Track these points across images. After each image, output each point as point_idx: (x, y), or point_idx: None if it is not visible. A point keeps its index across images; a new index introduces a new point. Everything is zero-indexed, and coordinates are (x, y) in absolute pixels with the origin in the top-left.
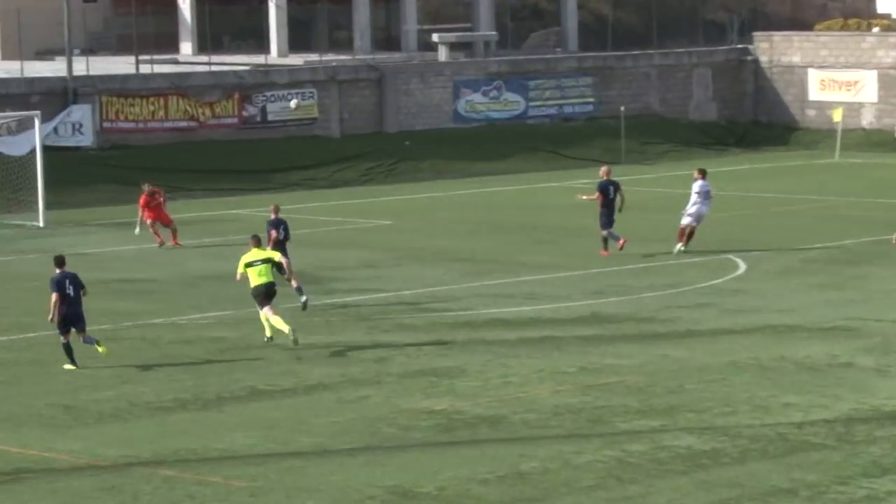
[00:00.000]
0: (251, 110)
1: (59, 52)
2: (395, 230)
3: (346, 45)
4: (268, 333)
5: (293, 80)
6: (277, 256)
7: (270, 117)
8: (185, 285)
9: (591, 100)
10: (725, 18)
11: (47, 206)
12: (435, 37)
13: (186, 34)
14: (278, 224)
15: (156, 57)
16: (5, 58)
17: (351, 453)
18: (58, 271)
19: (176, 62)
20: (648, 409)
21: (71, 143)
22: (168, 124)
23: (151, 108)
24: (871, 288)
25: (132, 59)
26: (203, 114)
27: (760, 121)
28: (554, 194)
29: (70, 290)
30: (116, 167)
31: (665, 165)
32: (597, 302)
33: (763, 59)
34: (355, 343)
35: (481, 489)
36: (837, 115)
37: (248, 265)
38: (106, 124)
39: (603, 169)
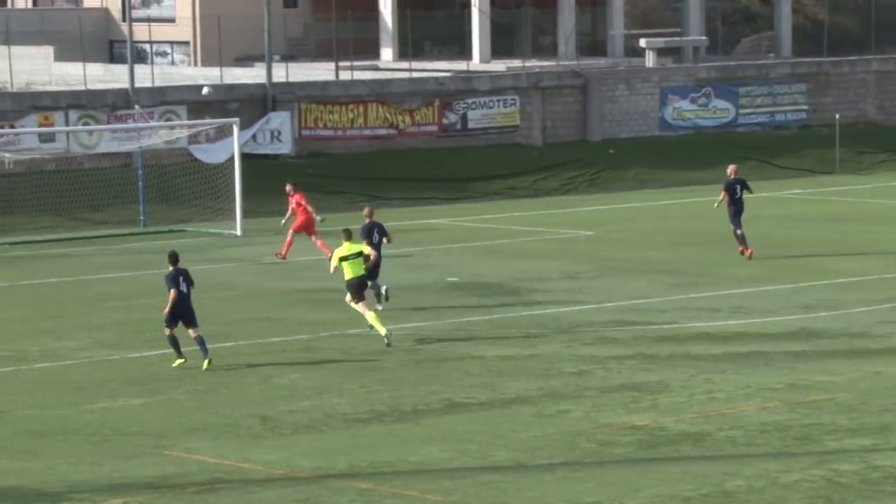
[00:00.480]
0: (451, 118)
1: (259, 59)
2: (597, 241)
3: (549, 50)
4: (368, 321)
5: (495, 87)
6: (367, 249)
7: (471, 125)
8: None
9: (805, 107)
10: None
11: (244, 215)
12: (642, 42)
13: (387, 40)
14: (371, 228)
15: (356, 63)
16: (204, 64)
17: (549, 468)
18: (171, 268)
19: (376, 68)
20: (860, 427)
21: (269, 150)
22: (367, 132)
23: (350, 115)
24: None
25: (332, 65)
26: (402, 121)
27: None
28: (763, 205)
29: (183, 287)
30: (314, 175)
31: (881, 176)
32: (806, 316)
33: None
34: (555, 355)
35: None
36: None
37: (343, 259)
38: (304, 132)
39: (731, 168)
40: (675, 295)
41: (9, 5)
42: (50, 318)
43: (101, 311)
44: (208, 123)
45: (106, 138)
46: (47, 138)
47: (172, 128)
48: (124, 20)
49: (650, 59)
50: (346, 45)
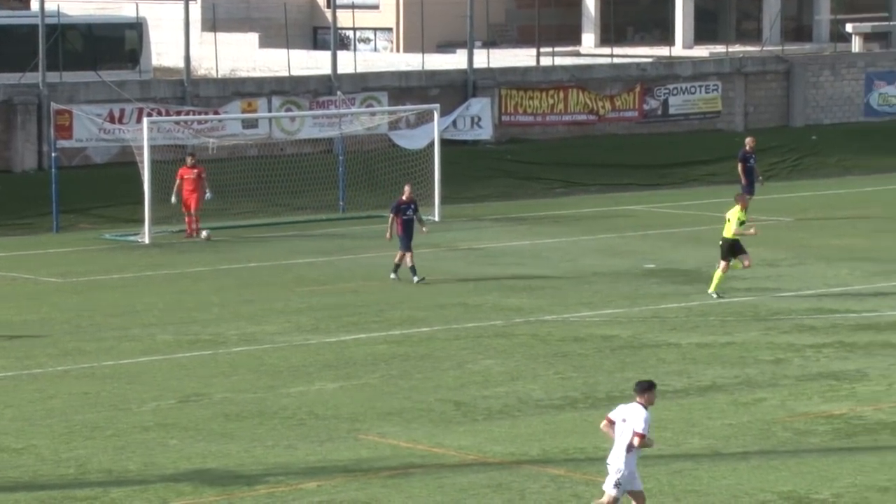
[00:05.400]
0: (652, 103)
1: (460, 45)
2: (797, 228)
3: (753, 36)
4: (711, 290)
5: (697, 73)
6: (736, 217)
7: (672, 111)
8: (578, 281)
9: None
10: None
11: (442, 201)
12: (849, 27)
13: (589, 26)
14: (409, 206)
15: (557, 49)
16: (406, 50)
17: (744, 457)
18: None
19: (577, 54)
20: None
21: (469, 136)
22: (567, 118)
23: (551, 101)
24: None
25: (533, 51)
26: (603, 107)
27: None
28: None
29: None
30: (513, 161)
31: None
32: None
33: None
34: (752, 343)
35: (881, 497)
36: None
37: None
38: (504, 118)
39: (748, 139)
40: (875, 283)
41: None
42: (248, 302)
43: (298, 296)
44: (409, 109)
45: (307, 124)
46: (250, 124)
47: (373, 114)
48: (329, 7)
49: (856, 45)
50: (547, 31)
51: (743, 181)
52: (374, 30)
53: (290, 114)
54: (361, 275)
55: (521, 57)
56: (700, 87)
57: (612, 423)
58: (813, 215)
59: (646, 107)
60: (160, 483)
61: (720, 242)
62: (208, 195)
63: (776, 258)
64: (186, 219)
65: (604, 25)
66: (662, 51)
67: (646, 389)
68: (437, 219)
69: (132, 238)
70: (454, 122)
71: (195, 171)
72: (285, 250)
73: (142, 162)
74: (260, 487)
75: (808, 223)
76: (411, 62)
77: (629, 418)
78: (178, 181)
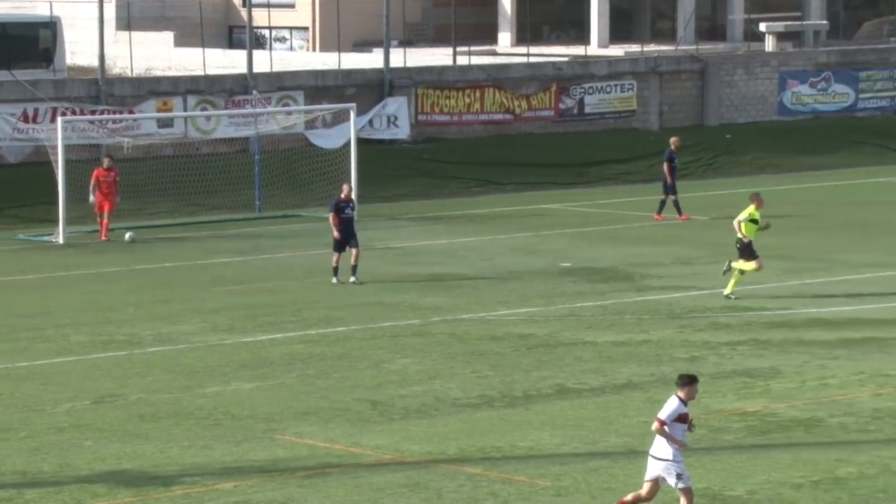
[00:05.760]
0: (568, 102)
1: (377, 44)
2: (712, 226)
3: (668, 35)
4: (727, 292)
5: (612, 72)
6: (757, 214)
7: (588, 110)
8: (495, 280)
9: None
10: None
11: (359, 200)
12: (762, 26)
13: (505, 25)
14: (347, 204)
15: (473, 48)
16: (322, 49)
17: None
18: None
19: (493, 53)
20: None
21: (386, 135)
22: (483, 117)
23: (467, 100)
24: None
25: (449, 50)
26: (519, 106)
27: None
28: (882, 190)
29: None
30: (430, 160)
31: None
32: None
33: None
34: (667, 341)
35: (794, 494)
36: None
37: (749, 220)
38: (421, 117)
39: (673, 139)
40: (789, 281)
41: None
42: (163, 302)
43: (214, 296)
44: (325, 109)
45: (223, 123)
46: (165, 123)
47: (289, 113)
48: (244, 6)
49: (770, 44)
50: (464, 31)
51: (668, 180)
52: (290, 29)
53: (205, 113)
54: (278, 274)
55: (437, 56)
56: (615, 86)
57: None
58: (727, 214)
59: (562, 106)
60: (75, 484)
61: (737, 244)
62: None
63: (691, 256)
64: (100, 220)
65: (520, 25)
66: (578, 50)
67: (686, 384)
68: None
69: (46, 238)
70: (370, 122)
71: (112, 173)
72: (201, 250)
73: (56, 162)
74: (176, 488)
75: (722, 222)
76: (327, 61)
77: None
78: (93, 181)
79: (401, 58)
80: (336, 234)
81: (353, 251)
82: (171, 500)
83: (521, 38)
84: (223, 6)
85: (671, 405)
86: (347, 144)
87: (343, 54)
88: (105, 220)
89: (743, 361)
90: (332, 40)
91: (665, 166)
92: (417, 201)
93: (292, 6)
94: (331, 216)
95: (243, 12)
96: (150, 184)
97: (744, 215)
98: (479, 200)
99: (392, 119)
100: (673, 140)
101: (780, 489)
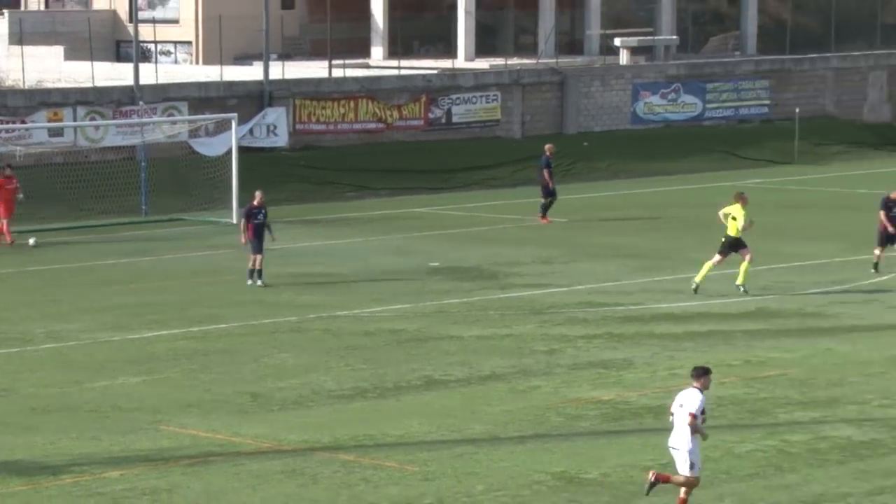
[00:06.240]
0: (437, 112)
1: (257, 58)
2: (570, 227)
3: (530, 49)
4: (698, 279)
5: (478, 84)
6: (741, 214)
7: (455, 119)
8: (368, 279)
9: (767, 102)
10: None
11: (241, 204)
12: (617, 41)
13: (378, 39)
14: (259, 210)
15: (348, 61)
16: (206, 63)
17: (520, 440)
18: None
19: (367, 66)
20: (810, 400)
21: (265, 143)
22: (357, 126)
23: (342, 110)
24: None
25: (325, 63)
26: (391, 116)
27: None
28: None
29: None
30: (307, 167)
31: (837, 166)
32: (763, 297)
33: None
34: (528, 335)
35: (644, 476)
36: None
37: (727, 216)
38: (299, 126)
39: (548, 146)
40: (640, 278)
41: (22, 7)
42: (54, 302)
43: (102, 296)
44: (208, 118)
45: (111, 133)
46: (56, 133)
47: (174, 122)
48: (131, 21)
49: (624, 57)
50: (339, 45)
51: (550, 185)
52: (175, 43)
53: (94, 123)
54: (163, 275)
55: (314, 69)
56: (481, 97)
57: (672, 412)
58: (584, 216)
59: (431, 115)
60: None
61: (723, 239)
62: (21, 196)
63: (550, 256)
64: (4, 227)
65: (391, 39)
66: (446, 63)
67: (701, 375)
68: (234, 221)
69: None
70: (251, 131)
71: (12, 181)
72: (90, 253)
73: None
74: (65, 477)
75: (579, 223)
76: (210, 74)
77: (686, 403)
78: None
79: (280, 70)
80: (244, 239)
81: (259, 257)
82: (60, 489)
83: (393, 51)
84: (111, 21)
85: (697, 398)
86: (229, 152)
87: (225, 67)
88: (6, 227)
89: (598, 353)
90: (214, 54)
91: (546, 172)
92: (295, 205)
93: (176, 22)
94: (243, 221)
95: (130, 27)
96: (41, 190)
97: (738, 214)
98: (353, 205)
99: (271, 128)
100: (548, 147)
101: (632, 472)
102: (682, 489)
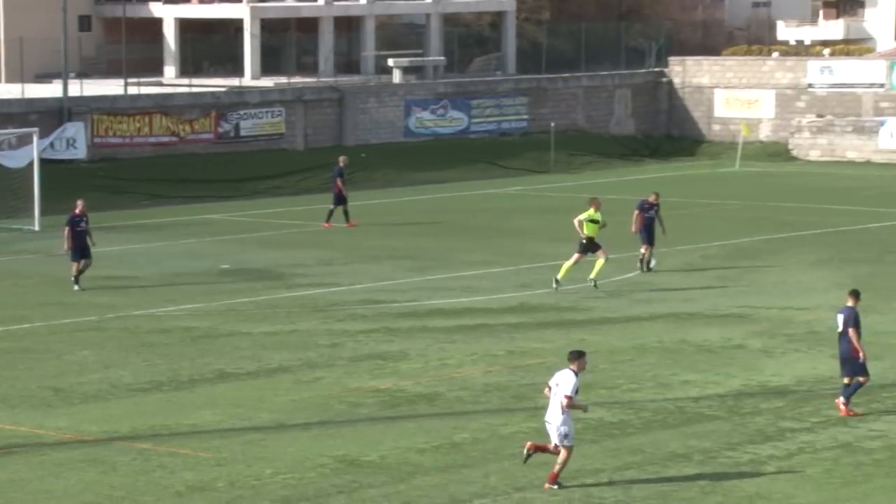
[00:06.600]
0: (226, 126)
1: (56, 76)
2: (350, 232)
3: (311, 68)
4: (560, 276)
5: (264, 100)
6: (596, 217)
7: (243, 133)
8: (163, 281)
9: (526, 117)
10: (645, 45)
11: (43, 213)
12: (390, 62)
13: (170, 59)
14: (81, 218)
15: (142, 80)
16: (8, 80)
17: (306, 427)
18: None
19: (160, 84)
20: None
21: (65, 156)
22: (152, 139)
23: (137, 124)
24: (762, 280)
25: (121, 81)
26: (183, 130)
27: (672, 135)
28: (490, 200)
29: None
30: (105, 178)
31: (588, 174)
32: (525, 294)
33: (676, 80)
34: (312, 331)
35: (418, 457)
36: (747, 131)
37: (584, 220)
38: (97, 139)
39: (342, 158)
40: (414, 277)
41: None
42: None
43: None
44: (10, 133)
45: None
46: None
47: None
48: None
49: (397, 76)
50: (133, 64)
51: (343, 193)
52: None
53: None
54: None
55: (110, 86)
56: (266, 112)
57: (549, 388)
58: (363, 221)
59: (220, 129)
60: None
61: (582, 239)
62: None
63: (331, 258)
64: None
65: (183, 59)
66: (234, 81)
67: (576, 357)
68: (37, 228)
69: None
70: (52, 144)
71: None
72: None
73: None
74: None
75: (359, 228)
76: (12, 91)
77: (561, 383)
78: None
79: (78, 88)
80: (66, 246)
81: (84, 262)
82: None
83: (185, 70)
84: None
85: (572, 380)
86: (31, 164)
87: (26, 85)
88: None
89: (376, 346)
90: (16, 72)
91: (339, 181)
92: (94, 213)
93: None
94: (67, 229)
95: None
96: None
97: (584, 216)
98: (149, 212)
99: (71, 141)
100: (342, 158)
101: (407, 454)
102: (557, 465)
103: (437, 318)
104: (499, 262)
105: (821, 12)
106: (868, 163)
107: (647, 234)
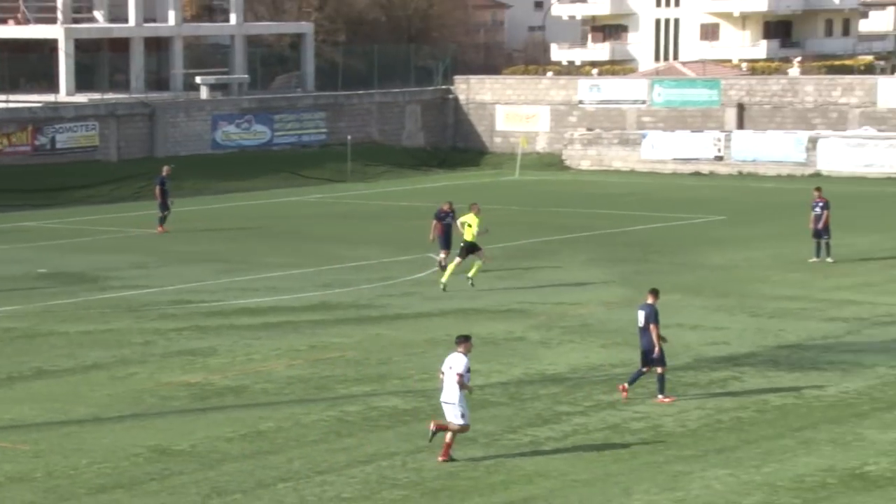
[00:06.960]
0: (42, 140)
1: None
2: (161, 237)
3: (123, 85)
4: (444, 279)
5: (79, 115)
6: (476, 222)
7: (59, 145)
8: None
9: (325, 130)
10: (432, 65)
11: None
12: (198, 79)
13: None
14: None
15: None
16: None
17: (120, 420)
18: None
19: None
20: (363, 377)
21: None
22: None
23: None
24: (540, 278)
25: None
26: (1, 143)
27: (458, 147)
28: (292, 207)
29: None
30: None
31: (382, 183)
32: (325, 293)
33: (461, 97)
34: (126, 330)
35: (227, 446)
36: (525, 143)
37: (464, 223)
38: None
39: (165, 167)
40: (223, 278)
41: None
42: None
43: None
44: None
45: None
46: None
47: None
48: None
49: (204, 93)
50: None
51: (159, 200)
52: None
53: None
54: None
55: None
56: (81, 126)
57: (443, 372)
58: (173, 227)
59: (37, 142)
60: None
61: (462, 244)
62: None
63: (145, 261)
64: None
65: (0, 76)
66: (50, 97)
67: (463, 341)
68: None
69: None
70: None
71: None
72: None
73: None
74: None
75: (169, 233)
76: None
77: (454, 365)
78: None
79: None
80: None
81: None
82: None
83: (2, 87)
84: None
85: (462, 360)
86: None
87: None
88: None
89: (187, 343)
90: None
91: (157, 189)
92: None
93: None
94: None
95: None
96: None
97: (467, 220)
98: None
99: None
100: (165, 168)
101: (216, 442)
102: (448, 434)
103: (244, 316)
104: (301, 265)
105: (589, 36)
106: (632, 171)
107: (445, 239)
